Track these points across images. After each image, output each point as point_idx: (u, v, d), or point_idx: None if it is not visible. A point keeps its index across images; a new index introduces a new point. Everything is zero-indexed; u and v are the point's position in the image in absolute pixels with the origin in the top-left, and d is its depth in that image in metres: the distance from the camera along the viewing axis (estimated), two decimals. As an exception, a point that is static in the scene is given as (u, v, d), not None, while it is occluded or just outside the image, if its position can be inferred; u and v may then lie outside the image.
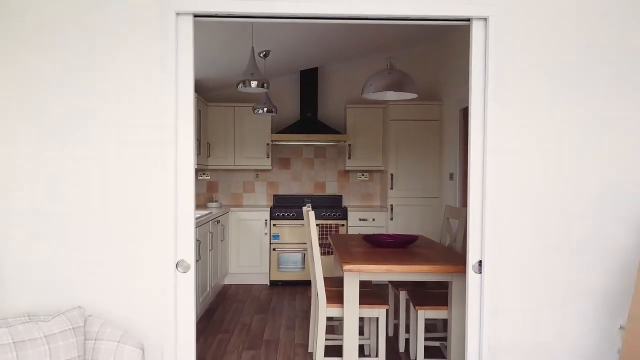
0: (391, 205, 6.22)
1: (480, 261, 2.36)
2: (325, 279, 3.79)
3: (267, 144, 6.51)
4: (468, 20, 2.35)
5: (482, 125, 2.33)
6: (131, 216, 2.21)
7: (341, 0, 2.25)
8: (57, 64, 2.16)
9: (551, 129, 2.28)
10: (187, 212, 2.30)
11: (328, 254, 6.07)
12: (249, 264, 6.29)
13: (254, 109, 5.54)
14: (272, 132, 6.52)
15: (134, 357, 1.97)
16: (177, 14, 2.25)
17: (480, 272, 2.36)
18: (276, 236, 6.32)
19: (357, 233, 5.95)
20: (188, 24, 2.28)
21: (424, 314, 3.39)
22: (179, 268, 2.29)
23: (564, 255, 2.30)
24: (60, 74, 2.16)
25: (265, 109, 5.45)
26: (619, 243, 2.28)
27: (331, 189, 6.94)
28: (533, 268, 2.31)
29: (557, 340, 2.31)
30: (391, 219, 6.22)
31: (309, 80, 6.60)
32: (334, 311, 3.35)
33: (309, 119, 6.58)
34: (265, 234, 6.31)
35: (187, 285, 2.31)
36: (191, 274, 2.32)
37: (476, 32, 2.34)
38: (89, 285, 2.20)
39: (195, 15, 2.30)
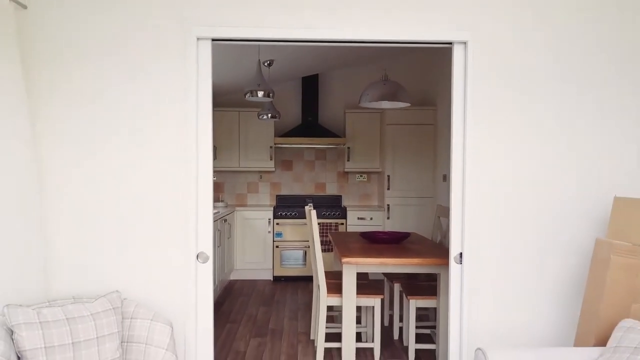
0: (388, 205, 6.58)
1: (461, 253, 2.71)
2: (325, 272, 4.14)
3: (271, 147, 6.86)
4: (450, 43, 2.71)
5: (462, 137, 2.68)
6: (160, 215, 2.57)
7: (335, 27, 2.60)
8: (99, 85, 2.52)
9: (519, 139, 2.64)
10: (206, 211, 2.65)
11: (328, 251, 6.41)
12: (254, 260, 6.64)
13: (258, 115, 5.90)
14: (275, 136, 6.88)
15: (165, 333, 2.33)
16: (198, 39, 2.61)
17: (461, 263, 2.72)
18: (279, 234, 6.67)
19: (356, 231, 6.29)
20: (207, 46, 2.64)
21: (415, 303, 3.74)
22: (199, 259, 2.65)
23: (533, 247, 2.65)
24: (101, 92, 2.52)
25: (269, 115, 5.81)
26: (578, 236, 2.64)
27: (331, 190, 7.30)
28: (507, 258, 2.67)
29: (529, 321, 2.67)
30: (388, 218, 6.57)
31: (310, 86, 6.96)
32: (333, 300, 3.70)
33: (310, 123, 6.94)
34: (269, 232, 6.66)
35: (206, 274, 2.67)
36: (209, 264, 2.68)
37: (457, 54, 2.70)
38: (123, 273, 2.55)
39: (213, 40, 2.65)
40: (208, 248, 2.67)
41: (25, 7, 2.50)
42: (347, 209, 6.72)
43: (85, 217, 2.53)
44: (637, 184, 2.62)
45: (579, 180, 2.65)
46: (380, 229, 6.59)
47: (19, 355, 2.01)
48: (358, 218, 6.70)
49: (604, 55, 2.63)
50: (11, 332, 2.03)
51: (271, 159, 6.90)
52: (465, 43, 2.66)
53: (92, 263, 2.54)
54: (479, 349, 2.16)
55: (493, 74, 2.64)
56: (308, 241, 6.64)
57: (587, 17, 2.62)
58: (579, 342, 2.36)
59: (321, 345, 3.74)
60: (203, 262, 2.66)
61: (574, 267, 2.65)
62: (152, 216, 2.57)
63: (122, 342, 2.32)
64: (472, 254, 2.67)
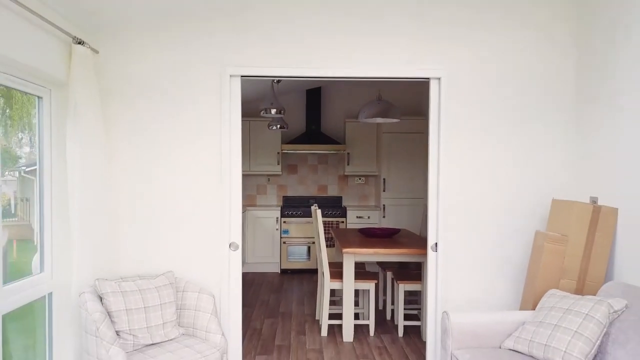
0: (383, 205, 7.32)
1: (436, 243, 3.46)
2: (328, 263, 4.88)
3: (278, 153, 7.61)
4: (427, 79, 3.46)
5: (437, 151, 3.43)
6: (202, 215, 3.32)
7: (342, 66, 3.35)
8: (154, 112, 3.27)
9: (480, 152, 3.39)
10: (236, 212, 3.40)
11: (330, 246, 7.15)
12: (263, 255, 7.39)
13: (268, 125, 6.66)
14: (282, 143, 7.62)
15: (209, 302, 3.08)
16: (231, 76, 3.36)
17: (436, 251, 3.46)
18: (286, 231, 7.42)
19: (354, 228, 7.03)
20: (237, 81, 3.39)
21: (403, 287, 4.49)
22: (231, 247, 3.40)
23: (490, 238, 3.40)
24: (157, 117, 3.27)
25: (278, 126, 6.56)
26: (524, 229, 3.39)
27: (332, 191, 8.05)
28: (471, 247, 3.41)
29: (488, 296, 3.42)
30: (383, 216, 7.32)
31: (314, 98, 7.71)
32: (335, 285, 4.46)
33: (313, 131, 7.69)
34: (277, 229, 7.41)
35: (236, 259, 3.42)
36: (239, 252, 3.43)
37: (433, 87, 3.45)
38: (175, 257, 3.31)
39: (242, 76, 3.41)
40: (238, 239, 3.42)
41: (97, 52, 3.25)
42: (347, 208, 7.47)
43: (145, 216, 3.28)
44: (566, 190, 3.37)
45: (525, 187, 3.40)
46: (376, 226, 7.34)
47: (108, 314, 2.76)
48: (357, 217, 7.46)
49: (541, 88, 3.38)
50: (100, 299, 2.78)
51: (278, 164, 7.65)
52: (439, 78, 3.42)
53: (150, 250, 3.30)
54: (444, 312, 2.91)
55: (460, 103, 3.39)
56: (312, 238, 7.39)
57: (529, 60, 3.37)
58: (522, 307, 3.11)
59: (325, 322, 4.50)
60: (234, 250, 3.41)
61: (520, 253, 3.40)
62: (197, 216, 3.32)
63: (177, 309, 3.07)
64: (444, 243, 3.42)
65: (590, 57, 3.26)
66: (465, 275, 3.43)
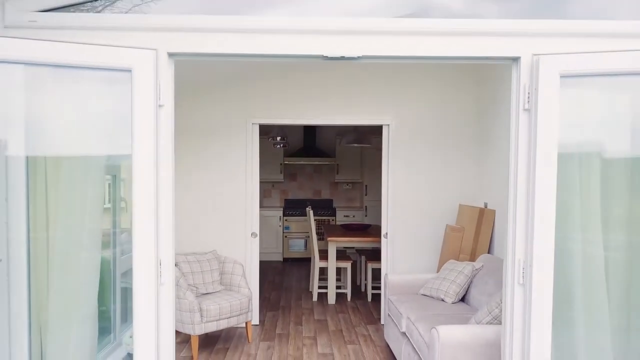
0: (365, 206, 9.13)
1: (387, 232, 5.27)
2: (319, 250, 6.68)
3: (281, 164, 9.42)
4: (381, 125, 5.27)
5: (387, 170, 5.24)
6: (232, 212, 5.14)
7: (317, 117, 5.16)
8: (203, 148, 5.09)
9: (413, 171, 5.20)
10: (255, 212, 5.22)
11: (322, 239, 8.96)
12: (269, 246, 9.19)
13: (274, 145, 8.46)
14: (284, 156, 9.42)
15: (240, 269, 4.88)
16: (252, 123, 5.17)
17: (387, 238, 5.27)
18: (287, 227, 9.22)
19: (340, 224, 8.83)
20: (257, 128, 5.20)
21: (371, 266, 6.29)
22: (252, 236, 5.21)
23: (422, 229, 5.22)
24: (205, 150, 5.09)
25: (281, 145, 8.37)
26: (442, 223, 5.20)
27: (325, 195, 9.85)
28: (409, 235, 5.22)
29: (418, 265, 5.22)
30: (365, 215, 9.13)
31: (310, 120, 9.53)
32: (322, 264, 6.26)
33: (310, 147, 9.49)
34: (280, 226, 9.21)
35: (255, 243, 5.24)
36: (257, 239, 5.24)
37: (384, 130, 5.26)
38: (218, 241, 5.12)
39: (260, 124, 5.22)
40: (256, 230, 5.23)
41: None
42: (337, 209, 9.28)
43: (198, 215, 5.10)
44: (469, 198, 5.18)
45: (443, 195, 5.21)
46: (359, 222, 9.12)
47: (182, 274, 4.56)
48: (344, 215, 9.27)
49: (456, 132, 5.19)
50: (175, 264, 4.59)
51: (281, 173, 9.45)
52: (389, 125, 5.23)
53: (202, 236, 5.11)
54: (385, 274, 4.71)
55: (405, 137, 5.20)
56: (308, 232, 9.21)
57: (450, 113, 5.19)
58: (437, 271, 4.92)
59: (315, 290, 6.31)
60: (254, 237, 5.22)
61: (437, 238, 5.22)
62: (231, 215, 5.13)
63: (219, 274, 4.88)
64: (392, 233, 5.23)
65: (482, 115, 5.07)
66: (404, 253, 5.24)
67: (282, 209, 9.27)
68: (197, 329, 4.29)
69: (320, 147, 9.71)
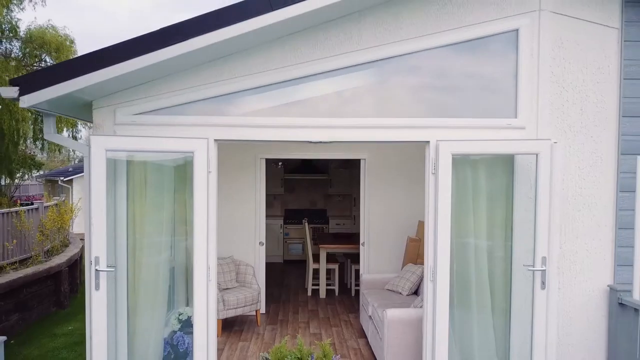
0: (354, 216, 10.68)
1: (364, 242, 6.83)
2: (313, 254, 8.22)
3: (282, 179, 10.96)
4: (359, 160, 6.82)
5: (364, 193, 6.80)
6: (245, 226, 6.69)
7: (308, 152, 6.72)
8: (224, 179, 6.65)
9: (387, 196, 6.76)
10: (262, 225, 6.77)
11: (316, 244, 10.49)
12: (271, 249, 10.73)
13: (275, 165, 10.01)
14: (284, 173, 10.96)
15: (250, 270, 6.43)
16: (260, 158, 6.73)
17: (364, 246, 6.83)
18: (287, 234, 10.77)
19: (332, 233, 10.39)
20: (264, 162, 6.76)
21: (354, 267, 7.83)
22: (260, 244, 6.77)
23: (390, 238, 6.77)
24: (226, 179, 6.65)
25: (281, 164, 9.92)
26: (405, 235, 6.75)
27: (320, 206, 11.40)
28: (382, 243, 6.78)
29: (386, 267, 6.77)
30: (354, 223, 10.68)
31: (307, 141, 11.09)
32: (315, 265, 7.81)
33: (307, 164, 11.03)
34: (281, 232, 10.76)
35: (262, 251, 6.80)
36: (264, 247, 6.79)
37: (362, 163, 6.81)
38: (234, 249, 6.67)
39: (267, 159, 6.77)
40: (263, 240, 6.79)
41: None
42: (330, 218, 10.82)
43: (219, 228, 6.66)
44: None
45: (407, 213, 6.76)
46: (349, 231, 10.69)
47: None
48: (336, 224, 10.81)
49: (412, 166, 6.74)
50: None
51: (282, 187, 11.00)
52: (365, 159, 6.78)
53: (221, 245, 6.66)
54: (361, 274, 6.26)
55: (377, 168, 6.75)
56: (304, 238, 10.74)
57: (409, 154, 6.74)
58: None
59: (309, 287, 7.87)
60: (261, 245, 6.78)
61: (402, 246, 6.76)
62: (243, 228, 6.69)
63: (235, 273, 6.43)
64: (368, 242, 6.79)
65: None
66: (376, 257, 6.79)
67: (282, 217, 10.81)
68: (221, 315, 5.83)
69: (315, 164, 11.25)
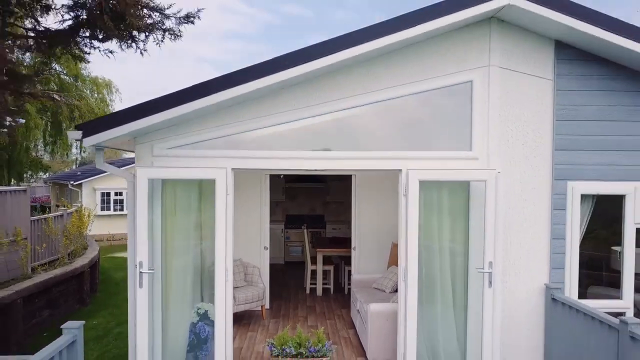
0: (349, 221, 11.69)
1: (355, 246, 7.87)
2: (310, 256, 9.25)
3: (283, 188, 11.99)
4: (350, 175, 7.85)
5: (355, 205, 7.84)
6: (252, 234, 7.73)
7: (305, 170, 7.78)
8: (236, 195, 7.70)
9: (375, 207, 7.80)
10: (266, 233, 7.81)
11: (314, 247, 11.51)
12: (274, 252, 11.76)
13: (278, 176, 11.05)
14: (285, 182, 11.99)
15: (257, 271, 7.47)
16: (265, 174, 7.76)
17: (355, 250, 7.87)
18: (288, 237, 11.80)
19: (329, 237, 11.42)
20: (268, 176, 7.80)
21: (347, 268, 8.86)
22: (265, 249, 7.81)
23: (378, 246, 7.81)
24: (244, 191, 7.69)
25: (282, 175, 10.95)
26: (389, 243, 7.78)
27: (318, 212, 12.42)
28: (371, 249, 7.82)
29: (374, 267, 7.81)
30: (349, 228, 11.69)
31: (306, 152, 12.14)
32: (313, 267, 8.85)
33: (306, 175, 12.06)
34: (282, 236, 11.79)
35: (267, 254, 7.84)
36: (268, 251, 7.83)
37: (353, 179, 7.85)
38: (243, 253, 7.71)
39: (270, 175, 7.81)
40: (267, 244, 7.82)
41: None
42: (327, 223, 11.85)
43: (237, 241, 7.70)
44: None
45: (390, 226, 7.79)
46: (345, 235, 11.72)
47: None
48: (332, 228, 11.84)
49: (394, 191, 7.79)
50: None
51: (283, 194, 12.02)
52: (355, 175, 7.81)
53: (233, 248, 7.71)
54: (352, 274, 7.29)
55: (366, 183, 7.78)
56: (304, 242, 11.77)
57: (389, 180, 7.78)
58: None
59: (308, 286, 8.91)
60: (266, 249, 7.82)
61: (387, 251, 7.79)
62: (250, 235, 7.72)
63: (244, 274, 7.47)
64: (359, 246, 7.83)
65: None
66: (366, 260, 7.83)
67: (284, 222, 11.84)
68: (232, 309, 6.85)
69: (314, 175, 12.27)
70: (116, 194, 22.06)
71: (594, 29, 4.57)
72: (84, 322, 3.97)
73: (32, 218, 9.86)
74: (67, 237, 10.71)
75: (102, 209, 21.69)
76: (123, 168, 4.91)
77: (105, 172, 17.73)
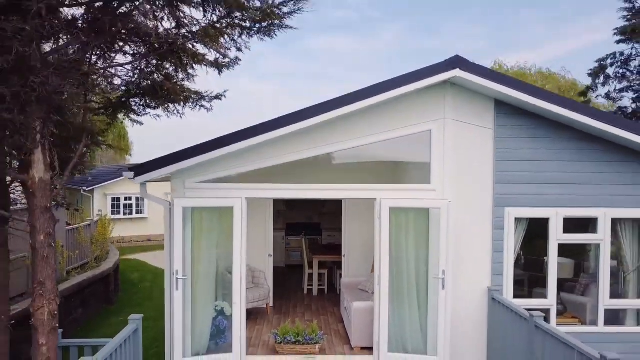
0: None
1: (344, 254, 9.36)
2: (307, 261, 10.72)
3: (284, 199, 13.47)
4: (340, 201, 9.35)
5: (345, 221, 9.33)
6: (257, 244, 9.21)
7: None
8: (257, 210, 9.19)
9: (361, 222, 9.28)
10: (270, 240, 9.30)
11: (312, 253, 12.99)
12: (275, 256, 13.22)
13: (279, 189, 12.55)
14: (286, 194, 13.48)
15: (262, 274, 8.95)
16: (269, 197, 9.26)
17: (345, 257, 9.36)
18: (288, 243, 13.29)
19: (324, 244, 12.90)
20: (271, 200, 9.29)
21: (339, 272, 10.34)
22: (269, 256, 9.30)
23: (364, 253, 9.29)
24: (256, 209, 9.19)
25: (284, 189, 12.45)
26: (373, 247, 9.28)
27: (315, 220, 13.91)
28: (360, 257, 9.30)
29: (362, 272, 9.29)
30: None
31: (304, 167, 13.63)
32: (309, 271, 10.34)
33: (304, 187, 13.55)
34: (283, 242, 13.27)
35: (271, 261, 9.35)
36: (272, 258, 9.32)
37: (343, 201, 9.35)
38: (250, 259, 9.19)
39: (274, 199, 9.31)
40: (271, 252, 9.32)
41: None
42: (323, 230, 13.35)
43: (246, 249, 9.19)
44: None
45: (370, 242, 9.29)
46: (339, 241, 13.19)
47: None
48: (328, 235, 13.33)
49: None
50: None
51: (284, 205, 13.50)
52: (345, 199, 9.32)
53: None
54: (341, 278, 8.77)
55: (355, 204, 9.27)
56: (301, 247, 13.26)
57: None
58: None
59: (305, 288, 10.41)
60: (270, 257, 9.31)
61: (372, 257, 9.29)
62: (257, 244, 9.21)
63: (252, 277, 8.95)
64: (348, 253, 9.31)
65: (397, 189, 9.17)
66: (355, 266, 9.31)
67: (284, 230, 13.33)
68: (242, 307, 8.33)
69: (311, 186, 13.76)
70: (125, 198, 23.52)
71: (520, 94, 6.05)
72: (142, 315, 5.44)
73: (67, 228, 11.34)
74: (95, 243, 12.19)
75: (113, 213, 23.14)
76: (162, 197, 6.35)
77: (116, 178, 19.13)
